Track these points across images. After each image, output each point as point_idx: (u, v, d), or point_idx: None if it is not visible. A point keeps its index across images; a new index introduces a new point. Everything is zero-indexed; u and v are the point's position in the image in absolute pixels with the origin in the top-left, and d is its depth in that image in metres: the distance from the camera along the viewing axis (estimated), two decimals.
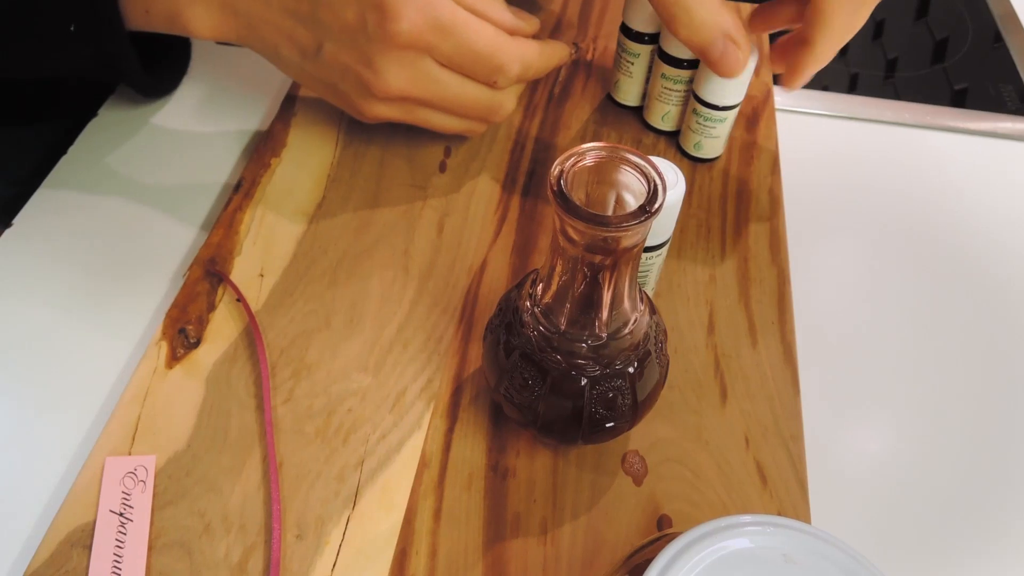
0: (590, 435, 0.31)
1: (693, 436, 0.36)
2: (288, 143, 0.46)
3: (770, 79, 0.53)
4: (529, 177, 0.46)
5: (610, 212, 0.27)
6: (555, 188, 0.25)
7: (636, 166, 0.25)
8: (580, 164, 0.25)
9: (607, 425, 0.31)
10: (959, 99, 0.77)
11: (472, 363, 0.37)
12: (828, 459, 0.37)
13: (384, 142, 0.47)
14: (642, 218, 0.24)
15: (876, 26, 0.89)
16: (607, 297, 0.28)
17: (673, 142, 0.48)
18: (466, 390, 0.37)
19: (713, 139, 0.45)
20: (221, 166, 0.47)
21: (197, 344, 0.37)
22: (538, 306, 0.29)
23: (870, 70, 1.00)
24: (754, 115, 0.50)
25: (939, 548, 0.35)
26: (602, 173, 0.26)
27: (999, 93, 0.62)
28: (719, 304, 0.41)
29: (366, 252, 0.41)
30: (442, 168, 0.46)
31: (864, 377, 0.40)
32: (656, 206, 0.24)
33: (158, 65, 0.46)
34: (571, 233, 0.25)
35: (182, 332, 0.37)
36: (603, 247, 0.25)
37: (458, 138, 0.47)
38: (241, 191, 0.43)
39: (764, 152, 0.48)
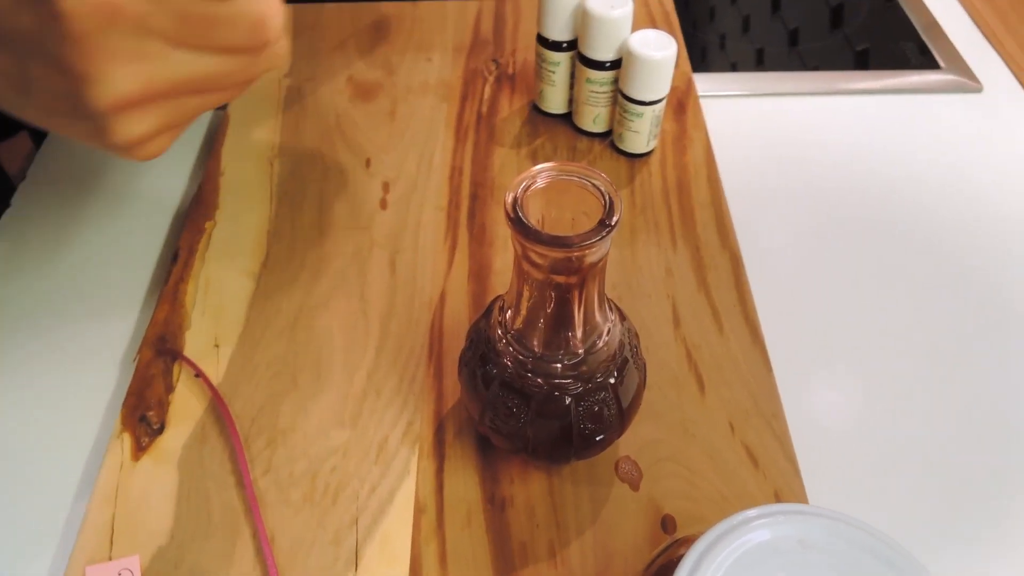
0: (582, 451, 0.31)
1: (679, 431, 0.36)
2: (220, 204, 0.45)
3: (689, 68, 0.54)
4: (473, 200, 0.45)
5: (570, 231, 0.27)
6: (512, 216, 0.24)
7: (588, 181, 0.25)
8: (532, 187, 0.25)
9: (597, 438, 0.31)
10: (862, 61, 0.80)
11: (449, 398, 0.37)
12: (809, 429, 0.38)
13: (319, 187, 0.46)
14: (603, 233, 0.24)
15: (773, 0, 0.92)
16: (579, 314, 0.27)
17: (607, 142, 0.48)
18: (448, 426, 0.36)
19: (645, 133, 0.46)
20: (152, 238, 0.45)
21: (161, 430, 0.35)
22: (510, 333, 0.29)
23: (774, 45, 1.03)
24: (680, 105, 0.51)
25: (930, 503, 0.36)
26: (555, 193, 0.26)
27: (901, 51, 0.65)
28: (680, 296, 0.41)
29: (321, 303, 0.40)
30: (383, 205, 0.45)
31: (827, 341, 0.41)
32: (615, 218, 0.24)
33: None
34: (534, 258, 0.25)
35: (143, 420, 0.36)
36: (568, 267, 0.25)
37: (395, 173, 0.47)
38: (180, 262, 0.42)
39: (696, 140, 0.49)
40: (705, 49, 0.68)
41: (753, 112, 0.54)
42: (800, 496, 0.34)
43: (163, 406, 0.36)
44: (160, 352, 0.38)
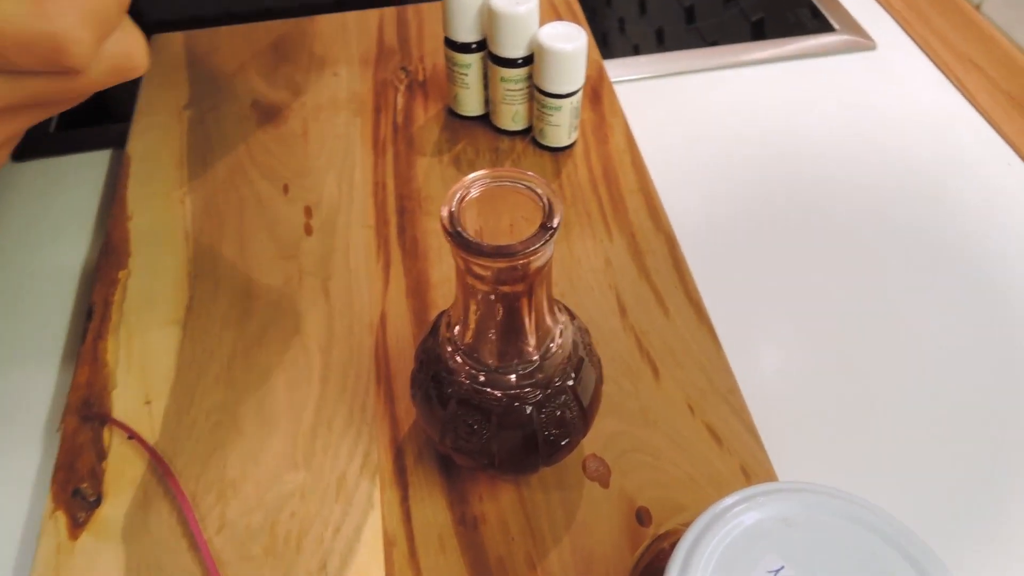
0: (549, 458, 0.31)
1: (641, 421, 0.36)
2: (132, 251, 0.42)
3: (599, 56, 0.54)
4: (400, 215, 0.44)
5: (509, 238, 0.26)
6: (451, 231, 0.23)
7: (524, 185, 0.24)
8: (467, 198, 0.24)
9: (563, 443, 0.30)
10: (759, 31, 0.82)
11: (404, 421, 0.36)
12: (765, 399, 0.38)
13: (237, 220, 0.44)
14: (546, 237, 0.23)
15: None
16: (530, 321, 0.27)
17: (528, 139, 0.48)
18: (408, 451, 0.35)
19: (565, 126, 0.45)
20: (60, 298, 0.42)
21: (99, 502, 0.33)
22: (461, 349, 0.28)
23: (672, 24, 1.05)
24: (595, 94, 0.51)
25: (888, 458, 0.37)
26: (490, 201, 0.25)
27: (796, 17, 0.67)
28: (622, 285, 0.41)
29: (256, 342, 0.38)
30: (307, 231, 0.43)
31: (767, 308, 0.42)
32: (556, 220, 0.24)
33: None
34: (478, 271, 0.24)
35: (77, 494, 0.33)
36: (514, 275, 0.24)
37: (316, 196, 0.45)
38: (95, 318, 0.39)
39: (615, 127, 0.49)
40: (606, 35, 0.68)
41: (662, 92, 0.55)
42: (767, 468, 0.34)
43: (97, 476, 0.34)
44: (86, 418, 0.35)
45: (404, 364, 0.37)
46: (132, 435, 0.35)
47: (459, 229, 0.23)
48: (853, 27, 0.61)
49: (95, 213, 0.46)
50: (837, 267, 0.44)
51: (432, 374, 0.30)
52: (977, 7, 0.57)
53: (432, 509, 0.33)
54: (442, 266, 0.42)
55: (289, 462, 0.34)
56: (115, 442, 0.35)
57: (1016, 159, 0.50)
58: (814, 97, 0.55)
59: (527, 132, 0.48)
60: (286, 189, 0.45)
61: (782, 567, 0.21)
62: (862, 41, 0.59)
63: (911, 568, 0.21)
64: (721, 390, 0.37)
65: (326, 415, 0.36)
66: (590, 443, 0.35)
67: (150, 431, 0.35)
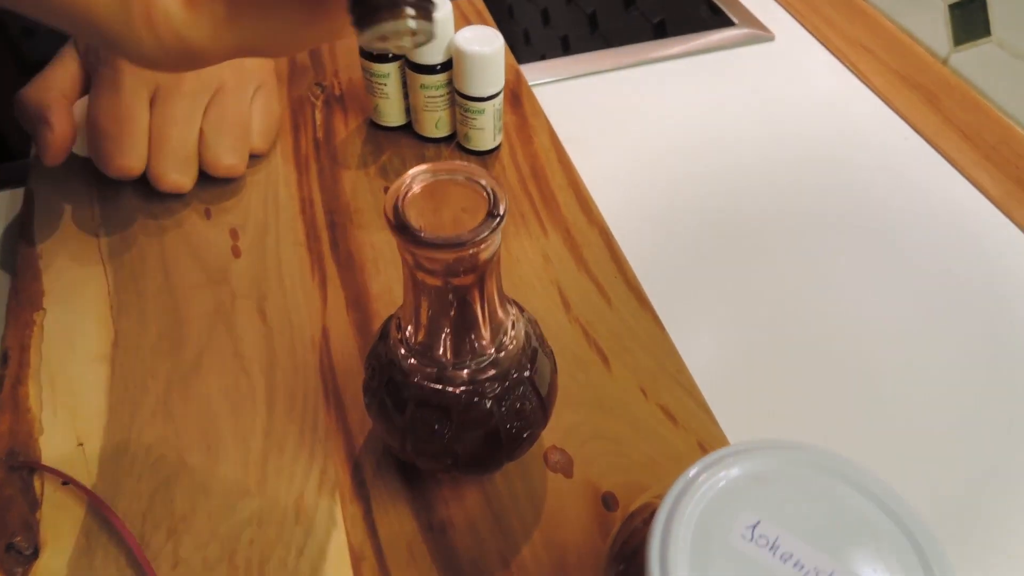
0: (512, 451, 0.30)
1: (597, 409, 0.36)
2: (47, 290, 0.40)
3: (514, 60, 0.55)
4: (332, 229, 0.43)
5: (453, 231, 0.26)
6: (397, 226, 0.23)
7: (465, 177, 0.24)
8: (410, 194, 0.24)
9: (524, 435, 0.30)
10: (661, 32, 0.85)
11: (358, 434, 0.35)
12: (713, 375, 0.39)
13: (159, 249, 0.42)
14: (494, 225, 0.23)
15: None
16: (483, 314, 0.27)
17: (453, 145, 0.48)
18: (365, 464, 0.34)
19: (490, 129, 0.46)
20: None
21: (36, 555, 0.31)
22: (415, 349, 0.28)
23: (576, 31, 1.07)
24: (514, 97, 0.52)
25: (839, 420, 0.38)
26: (430, 196, 0.25)
27: (695, 15, 0.70)
28: (563, 279, 0.41)
29: (192, 371, 0.37)
30: (235, 253, 0.42)
31: (704, 288, 0.43)
32: (502, 208, 0.24)
33: None
34: (428, 264, 0.24)
35: (11, 549, 0.31)
36: (464, 267, 0.24)
37: (241, 218, 0.43)
38: (12, 363, 0.37)
39: (538, 127, 0.50)
40: (512, 45, 0.69)
41: (577, 93, 0.56)
42: (723, 441, 0.35)
43: (31, 528, 0.31)
44: (13, 468, 0.33)
45: (352, 377, 0.37)
46: (67, 480, 0.32)
47: (406, 223, 0.23)
48: (751, 21, 0.64)
49: None
50: (761, 244, 0.46)
51: (385, 380, 0.29)
52: None
53: (397, 519, 0.32)
54: (380, 277, 0.41)
55: (241, 489, 0.33)
56: (48, 489, 0.32)
57: (911, 132, 0.54)
58: (722, 87, 0.57)
59: (451, 139, 0.48)
60: (208, 213, 0.44)
61: (758, 521, 0.21)
62: (761, 33, 0.62)
63: (878, 509, 0.21)
64: (670, 371, 0.38)
65: (276, 437, 0.34)
66: (549, 435, 0.35)
67: (86, 474, 0.33)
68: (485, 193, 0.24)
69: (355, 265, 0.41)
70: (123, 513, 0.32)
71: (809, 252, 0.45)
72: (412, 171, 0.24)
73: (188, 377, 0.36)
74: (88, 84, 0.42)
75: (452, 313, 0.26)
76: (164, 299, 0.39)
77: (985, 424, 0.38)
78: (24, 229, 0.42)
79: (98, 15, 0.19)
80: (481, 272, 0.25)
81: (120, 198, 0.44)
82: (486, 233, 0.23)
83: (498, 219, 0.23)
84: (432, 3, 0.19)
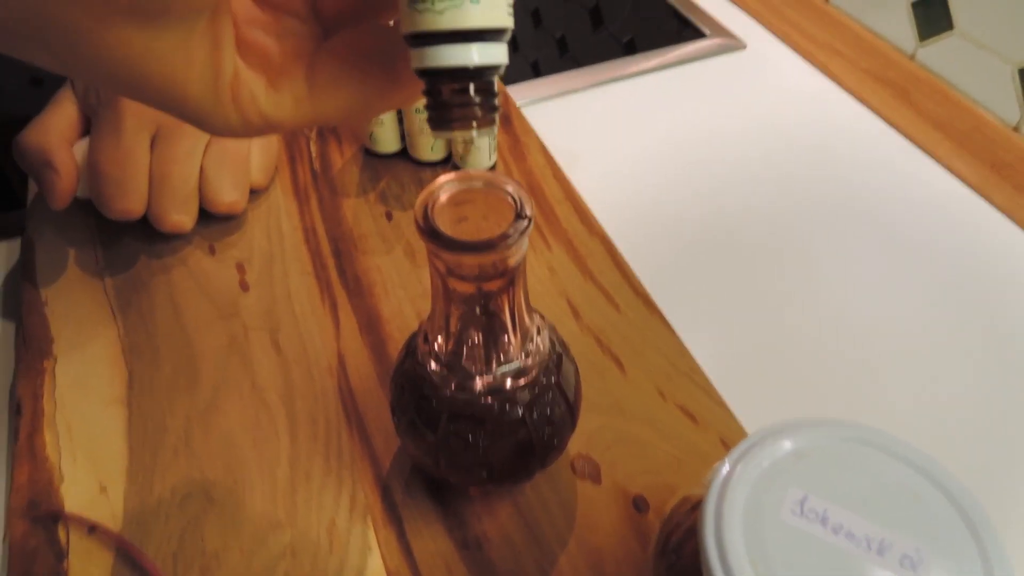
0: (545, 458, 0.31)
1: (617, 413, 0.36)
2: (55, 336, 0.39)
3: (500, 81, 0.56)
4: (337, 256, 0.43)
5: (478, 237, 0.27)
6: (430, 233, 0.23)
7: (489, 184, 0.25)
8: (438, 203, 0.24)
9: (555, 441, 0.30)
10: (631, 50, 0.87)
11: (384, 456, 0.35)
12: (727, 371, 0.39)
13: (166, 288, 0.41)
14: (523, 227, 0.24)
15: (534, 14, 0.98)
16: (511, 321, 0.27)
17: (449, 167, 0.48)
18: (394, 485, 0.34)
19: (486, 148, 0.46)
20: None
21: None
22: (445, 361, 0.28)
23: (545, 54, 1.09)
24: (504, 117, 0.53)
25: (854, 410, 0.39)
26: (455, 206, 0.26)
27: (666, 30, 0.72)
28: (571, 290, 0.42)
29: (210, 406, 0.36)
30: (244, 287, 0.42)
31: (708, 287, 0.44)
32: (528, 211, 0.24)
33: None
34: (461, 270, 0.24)
35: None
36: (495, 271, 0.25)
37: (246, 252, 0.43)
38: (26, 413, 0.36)
39: (530, 144, 0.51)
40: None
41: (562, 110, 0.57)
42: (744, 435, 0.36)
43: None
44: (35, 519, 0.32)
45: (372, 400, 0.37)
46: (92, 527, 0.32)
47: (437, 229, 0.23)
48: (721, 31, 0.66)
49: None
50: (753, 240, 0.47)
51: (416, 398, 0.29)
52: (826, 0, 0.63)
53: (432, 539, 0.32)
54: (390, 300, 0.41)
55: (272, 522, 0.32)
56: (74, 538, 0.32)
57: (886, 126, 0.56)
58: (699, 96, 0.58)
59: (447, 161, 0.49)
60: (212, 249, 0.44)
61: (805, 496, 0.22)
62: (732, 43, 0.64)
63: (921, 476, 0.22)
64: (685, 371, 0.38)
65: (302, 466, 0.34)
66: (574, 443, 0.35)
67: (112, 519, 0.32)
68: (510, 198, 0.25)
69: (364, 290, 0.42)
70: (153, 555, 0.31)
71: (800, 245, 0.47)
72: (439, 180, 0.25)
73: (207, 413, 0.36)
74: (86, 127, 0.42)
75: (482, 321, 0.27)
76: (176, 337, 0.39)
77: (986, 402, 0.39)
78: (27, 276, 0.42)
79: (188, 95, 0.20)
80: (511, 276, 0.25)
81: (122, 240, 0.44)
82: (516, 235, 0.24)
83: (527, 220, 0.24)
84: (497, 108, 0.20)
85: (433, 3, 0.18)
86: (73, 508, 0.33)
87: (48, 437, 0.35)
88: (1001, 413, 0.39)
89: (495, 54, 0.19)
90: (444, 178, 0.25)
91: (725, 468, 0.22)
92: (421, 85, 0.21)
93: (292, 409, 0.36)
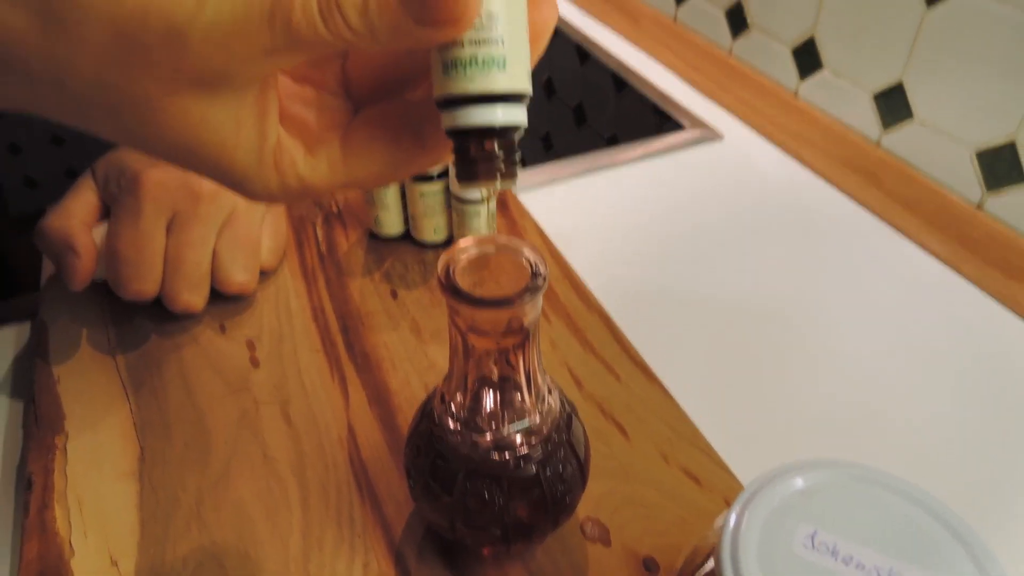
0: (558, 516, 0.31)
1: (623, 477, 0.37)
2: (67, 413, 0.40)
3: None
4: (345, 333, 0.45)
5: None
6: (454, 292, 0.25)
7: (506, 247, 0.27)
8: (459, 265, 0.26)
9: (567, 500, 0.31)
10: (613, 145, 0.92)
11: (396, 524, 0.35)
12: (724, 432, 0.41)
13: (177, 365, 0.43)
14: (540, 284, 0.26)
15: None
16: (526, 378, 0.28)
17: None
18: (407, 552, 0.34)
19: (486, 230, 0.49)
20: None
21: None
22: (462, 419, 0.29)
23: (531, 151, 1.15)
24: (501, 202, 0.56)
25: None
26: (477, 269, 0.28)
27: (646, 124, 0.77)
28: (572, 361, 0.43)
29: (222, 478, 0.37)
30: (254, 363, 0.43)
31: (704, 355, 0.46)
32: (543, 271, 0.26)
33: None
34: (482, 326, 0.26)
35: None
36: (512, 328, 0.26)
37: (256, 330, 0.45)
38: (36, 488, 0.36)
39: (527, 228, 0.53)
40: None
41: (554, 196, 0.60)
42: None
43: None
44: None
45: (383, 469, 0.37)
46: None
47: (458, 287, 0.25)
48: (699, 124, 0.70)
49: (8, 394, 0.43)
50: (747, 313, 0.49)
51: (432, 458, 0.30)
52: (795, 94, 0.68)
53: None
54: (397, 373, 0.42)
55: None
56: None
57: (859, 208, 0.59)
58: (684, 182, 0.62)
59: (449, 242, 0.51)
60: (223, 328, 0.45)
61: (815, 531, 0.23)
62: (711, 134, 0.68)
63: (923, 512, 0.23)
64: (686, 436, 0.39)
65: (314, 535, 0.35)
66: (583, 506, 0.36)
67: None
68: (525, 260, 0.27)
69: (372, 364, 0.43)
70: None
71: (786, 315, 0.49)
72: (460, 243, 0.27)
73: (219, 485, 0.37)
74: (104, 213, 0.44)
75: (498, 379, 0.28)
76: (187, 412, 0.40)
77: (962, 442, 0.40)
78: (40, 355, 0.43)
79: (236, 159, 0.22)
80: (526, 333, 0.27)
81: (134, 320, 0.45)
82: (532, 292, 0.25)
83: (541, 277, 0.26)
84: (517, 164, 0.23)
85: (465, 71, 0.20)
86: None
87: (59, 512, 0.35)
88: (976, 450, 0.40)
89: (517, 115, 0.22)
90: (464, 242, 0.27)
91: (737, 509, 0.24)
92: (444, 150, 0.24)
93: (303, 479, 0.37)
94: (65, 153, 0.47)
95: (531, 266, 0.26)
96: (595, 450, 0.38)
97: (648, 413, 0.41)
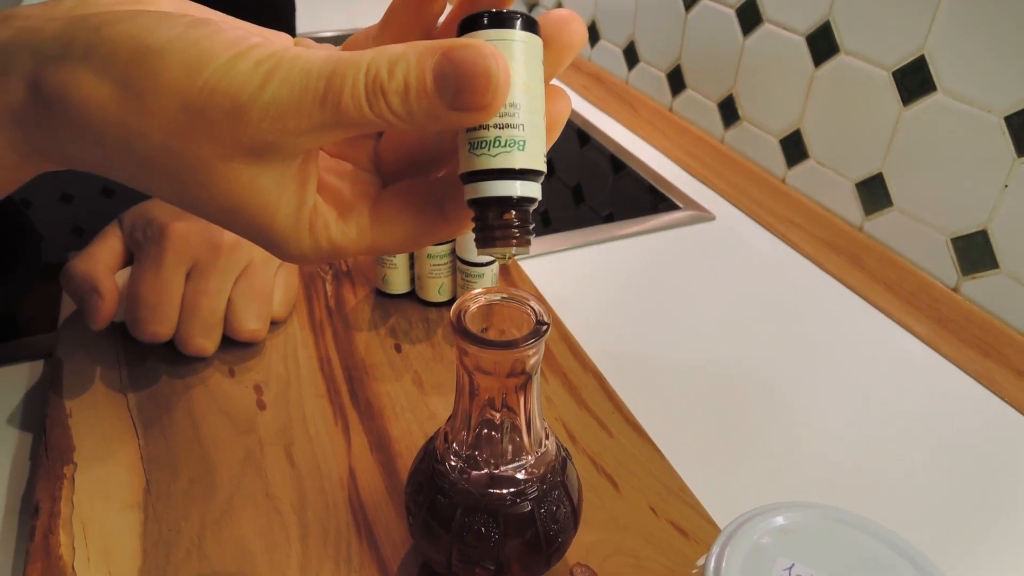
0: (550, 557, 0.33)
1: (613, 528, 0.39)
2: (76, 446, 0.41)
3: None
4: (350, 382, 0.47)
5: None
6: (466, 334, 0.28)
7: (511, 299, 0.30)
8: (469, 312, 0.29)
9: (559, 540, 0.33)
10: (610, 222, 0.95)
11: (392, 562, 0.36)
12: (713, 490, 0.42)
13: (187, 405, 0.44)
14: (544, 331, 0.28)
15: None
16: (526, 418, 0.30)
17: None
18: None
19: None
20: None
21: None
22: (464, 456, 0.31)
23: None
24: (502, 268, 0.58)
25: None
26: (485, 317, 0.30)
27: (641, 203, 0.81)
28: (567, 417, 0.45)
29: (225, 512, 0.38)
30: (260, 406, 0.45)
31: (693, 414, 0.48)
32: (547, 319, 0.29)
33: None
34: (488, 367, 0.28)
35: None
36: (515, 371, 0.29)
37: (263, 376, 0.47)
38: (43, 514, 0.37)
39: (526, 290, 0.56)
40: None
41: (551, 266, 0.63)
42: None
43: None
44: None
45: (381, 511, 0.38)
46: None
47: (469, 330, 0.28)
48: (693, 205, 0.74)
49: (17, 426, 0.44)
50: (733, 380, 0.51)
51: (432, 494, 0.32)
52: (782, 180, 0.72)
53: None
54: (399, 422, 0.44)
55: None
56: None
57: (843, 287, 0.62)
58: (677, 258, 0.65)
59: (451, 302, 0.54)
60: (232, 372, 0.47)
61: (792, 564, 0.24)
62: (704, 214, 0.72)
63: (889, 549, 0.25)
64: (674, 490, 0.41)
65: (312, 571, 0.35)
66: (574, 553, 0.37)
67: None
68: (530, 309, 0.29)
69: (375, 412, 0.45)
70: None
71: (771, 384, 0.51)
72: (471, 293, 0.29)
73: (221, 518, 0.38)
74: (127, 259, 0.46)
75: (500, 418, 0.30)
76: (194, 449, 0.41)
77: (944, 491, 0.42)
78: (53, 389, 0.45)
79: (275, 221, 0.25)
80: (528, 376, 0.29)
81: (146, 362, 0.47)
82: (536, 339, 0.28)
83: (546, 326, 0.28)
84: (531, 233, 0.25)
85: (490, 149, 0.23)
86: None
87: (63, 538, 0.36)
88: (945, 502, 0.41)
89: (533, 189, 0.24)
90: (473, 292, 0.29)
91: (720, 543, 0.25)
92: (463, 223, 0.27)
93: (304, 518, 0.38)
94: (116, 205, 0.50)
95: (536, 315, 0.29)
96: (587, 501, 0.40)
97: (638, 468, 0.42)
